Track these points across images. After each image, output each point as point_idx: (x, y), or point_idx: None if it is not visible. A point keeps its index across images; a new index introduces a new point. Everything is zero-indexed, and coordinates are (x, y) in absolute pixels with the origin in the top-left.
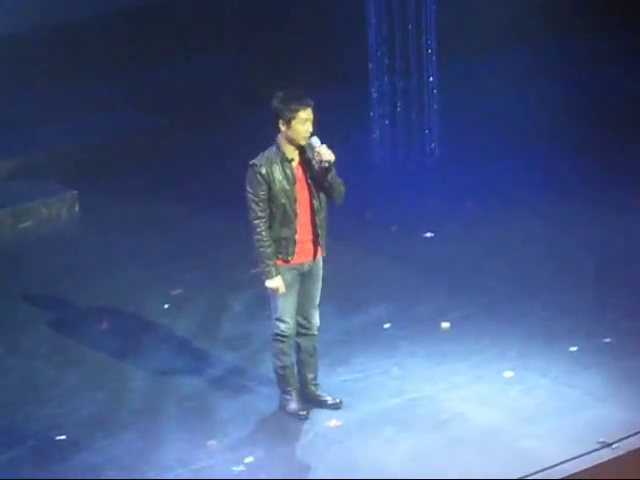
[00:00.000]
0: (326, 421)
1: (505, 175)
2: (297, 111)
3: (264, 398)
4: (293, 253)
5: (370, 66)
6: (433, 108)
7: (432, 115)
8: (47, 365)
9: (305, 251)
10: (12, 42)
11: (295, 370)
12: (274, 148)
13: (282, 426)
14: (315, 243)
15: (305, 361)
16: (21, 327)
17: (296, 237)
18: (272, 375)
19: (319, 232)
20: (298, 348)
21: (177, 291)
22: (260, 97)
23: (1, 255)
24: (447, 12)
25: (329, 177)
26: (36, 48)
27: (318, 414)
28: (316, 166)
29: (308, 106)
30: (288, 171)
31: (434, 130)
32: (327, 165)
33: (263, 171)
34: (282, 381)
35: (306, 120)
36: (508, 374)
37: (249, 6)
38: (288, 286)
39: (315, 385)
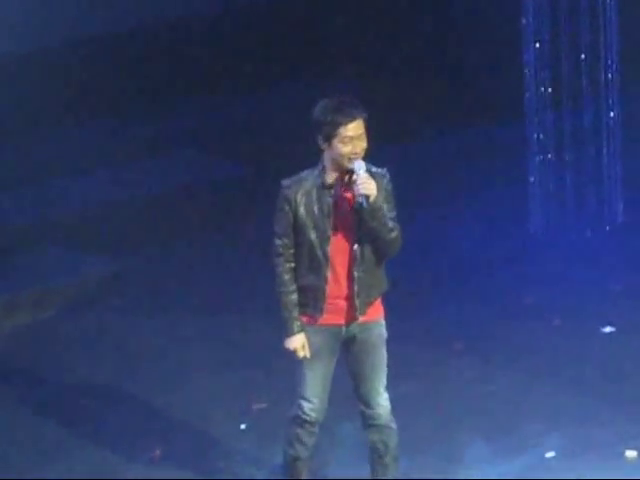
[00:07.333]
0: None
1: None
2: (339, 126)
3: None
4: (322, 310)
5: (527, 96)
6: (614, 155)
7: (613, 165)
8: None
9: (339, 310)
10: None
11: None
12: (316, 169)
13: None
14: (353, 302)
15: (376, 462)
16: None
17: (326, 288)
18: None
19: (357, 289)
20: (369, 443)
21: None
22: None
23: None
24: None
25: (367, 217)
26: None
27: None
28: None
29: (354, 119)
30: (324, 200)
31: (616, 187)
32: (361, 201)
33: (290, 194)
34: (290, 475)
35: (351, 138)
36: None
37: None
38: (316, 353)
39: None
